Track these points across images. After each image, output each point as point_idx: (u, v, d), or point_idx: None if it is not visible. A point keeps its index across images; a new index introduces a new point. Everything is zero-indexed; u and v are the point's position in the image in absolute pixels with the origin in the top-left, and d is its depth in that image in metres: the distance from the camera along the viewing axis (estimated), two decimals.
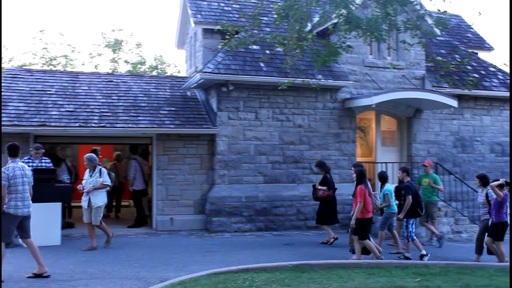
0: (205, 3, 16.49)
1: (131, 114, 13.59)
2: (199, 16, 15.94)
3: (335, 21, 11.16)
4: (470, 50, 18.42)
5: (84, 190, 10.78)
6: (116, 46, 34.06)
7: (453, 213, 14.20)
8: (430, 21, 12.57)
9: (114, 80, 15.62)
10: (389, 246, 11.94)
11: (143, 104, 14.20)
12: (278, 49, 13.00)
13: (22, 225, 8.20)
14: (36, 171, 11.03)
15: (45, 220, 10.73)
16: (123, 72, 30.73)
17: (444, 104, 14.56)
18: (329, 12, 11.36)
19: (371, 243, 10.14)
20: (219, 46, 12.87)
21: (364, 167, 11.14)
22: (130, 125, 13.14)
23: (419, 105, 15.49)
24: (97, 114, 13.31)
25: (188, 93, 15.30)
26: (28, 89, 14.07)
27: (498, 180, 10.16)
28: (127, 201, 17.38)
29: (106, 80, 15.56)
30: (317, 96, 14.65)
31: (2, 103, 13.06)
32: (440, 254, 11.34)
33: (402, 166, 12.18)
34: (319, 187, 12.22)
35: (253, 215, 13.78)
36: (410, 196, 10.68)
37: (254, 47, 13.72)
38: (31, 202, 8.33)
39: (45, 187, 10.80)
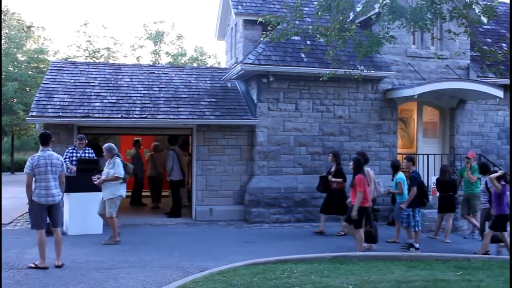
0: None
1: (172, 105, 13.73)
2: (240, 7, 15.94)
3: (378, 10, 10.98)
4: None
5: (96, 182, 10.47)
6: (157, 38, 34.50)
7: None
8: (477, 9, 12.22)
9: (156, 72, 15.81)
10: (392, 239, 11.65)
11: (183, 96, 14.33)
12: (317, 38, 12.88)
13: (50, 213, 8.28)
14: (79, 162, 11.33)
15: (88, 209, 10.99)
16: (164, 63, 31.07)
17: (489, 94, 14.16)
18: (372, 1, 11.18)
19: (362, 234, 10.03)
20: (261, 38, 12.87)
21: (361, 156, 10.96)
22: (171, 116, 13.28)
23: (463, 96, 15.13)
24: (138, 105, 13.51)
25: (229, 84, 15.36)
26: (72, 81, 14.38)
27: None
28: (167, 191, 17.62)
29: (148, 71, 15.76)
30: (358, 86, 14.49)
31: (48, 95, 13.40)
32: None
33: (407, 155, 12.05)
34: (334, 179, 11.90)
35: (292, 206, 13.76)
36: (416, 188, 10.64)
37: (295, 37, 13.64)
38: (58, 191, 8.29)
39: (87, 177, 11.02)
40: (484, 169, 10.83)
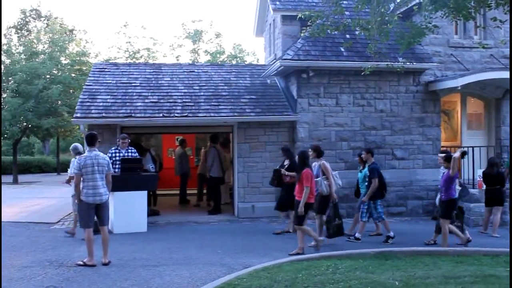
0: None
1: (213, 103, 13.80)
2: (278, 2, 15.88)
3: (419, 1, 10.77)
4: None
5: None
6: (196, 36, 34.71)
7: None
8: None
9: (195, 70, 15.93)
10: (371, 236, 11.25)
11: (224, 93, 14.39)
12: (358, 32, 12.72)
13: (97, 212, 8.42)
14: (123, 161, 11.50)
15: (132, 207, 11.19)
16: (203, 62, 31.29)
17: None
18: None
19: (308, 228, 9.72)
20: (301, 34, 12.77)
21: (315, 149, 10.58)
22: (212, 114, 13.35)
23: (508, 86, 14.68)
24: (179, 104, 13.63)
25: (268, 81, 15.34)
26: (114, 82, 14.64)
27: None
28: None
29: (187, 70, 15.90)
30: (400, 79, 14.25)
31: (92, 96, 13.68)
32: None
33: (367, 147, 11.80)
34: (287, 173, 11.24)
35: None
36: (377, 180, 10.52)
37: (335, 32, 13.51)
38: (105, 190, 8.44)
39: (131, 176, 11.20)
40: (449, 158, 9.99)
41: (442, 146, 14.51)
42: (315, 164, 10.49)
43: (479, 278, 7.15)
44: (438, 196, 10.27)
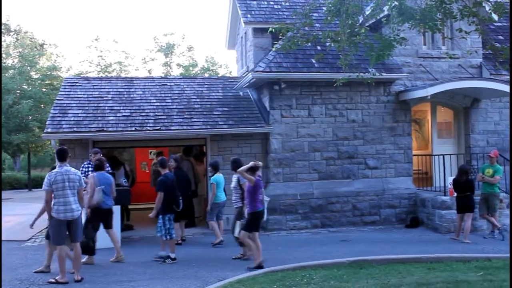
0: (254, 2, 16.52)
1: (185, 116, 13.78)
2: (249, 15, 15.98)
3: (388, 13, 10.95)
4: None
5: None
6: (168, 50, 34.68)
7: None
8: (487, 7, 12.12)
9: (168, 84, 15.90)
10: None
11: (196, 106, 14.38)
12: (329, 44, 12.84)
13: (69, 229, 8.26)
14: None
15: None
16: (176, 75, 31.25)
17: (503, 92, 14.02)
18: (381, 4, 11.12)
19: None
20: (273, 49, 12.90)
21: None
22: (185, 127, 13.33)
23: (476, 95, 15.01)
24: (152, 118, 13.58)
25: (241, 93, 15.39)
26: (85, 96, 14.52)
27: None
28: None
29: (160, 84, 15.86)
30: (370, 90, 14.44)
31: (63, 111, 13.54)
32: (504, 247, 10.91)
33: (160, 158, 10.56)
34: None
35: (308, 212, 13.73)
36: (162, 193, 9.72)
37: (306, 44, 13.64)
38: (77, 206, 8.28)
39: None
40: (236, 165, 9.65)
41: (414, 155, 14.73)
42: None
43: (451, 284, 7.27)
44: None
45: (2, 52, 30.76)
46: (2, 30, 30.45)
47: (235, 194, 10.16)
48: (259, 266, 8.89)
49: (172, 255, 9.73)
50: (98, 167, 10.07)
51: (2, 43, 34.85)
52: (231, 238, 10.53)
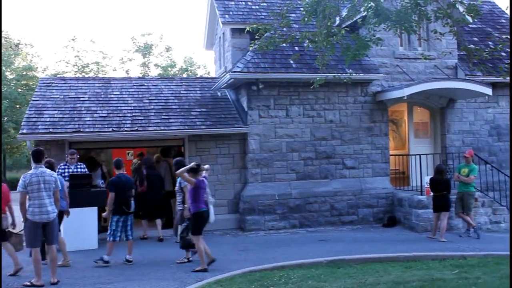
0: (232, 3, 16.52)
1: (163, 117, 13.72)
2: (227, 16, 15.98)
3: (364, 14, 11.04)
4: (504, 36, 17.94)
5: None
6: (146, 50, 34.52)
7: (491, 203, 13.84)
8: (461, 8, 12.28)
9: (145, 84, 15.81)
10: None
11: (174, 107, 14.32)
12: (306, 44, 12.90)
13: (44, 231, 8.15)
14: (72, 177, 11.27)
15: (82, 224, 10.96)
16: (153, 75, 31.09)
17: (478, 92, 14.26)
18: (357, 5, 11.21)
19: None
20: (250, 48, 12.92)
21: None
22: (162, 128, 13.27)
23: (452, 95, 15.21)
24: (129, 118, 13.49)
25: (219, 94, 15.37)
26: (62, 96, 14.36)
27: None
28: None
29: (137, 84, 15.76)
30: (348, 90, 14.54)
31: (38, 112, 13.37)
32: (479, 245, 11.09)
33: (116, 159, 10.41)
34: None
35: (286, 212, 13.77)
36: (113, 193, 9.55)
37: (283, 44, 13.68)
38: (53, 208, 8.19)
39: (81, 192, 10.99)
40: (179, 166, 9.28)
41: (391, 155, 14.87)
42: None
43: (427, 282, 7.36)
44: None
45: None
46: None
47: (178, 197, 9.83)
48: (204, 270, 8.78)
49: (106, 258, 9.53)
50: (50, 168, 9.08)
51: None
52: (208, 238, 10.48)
